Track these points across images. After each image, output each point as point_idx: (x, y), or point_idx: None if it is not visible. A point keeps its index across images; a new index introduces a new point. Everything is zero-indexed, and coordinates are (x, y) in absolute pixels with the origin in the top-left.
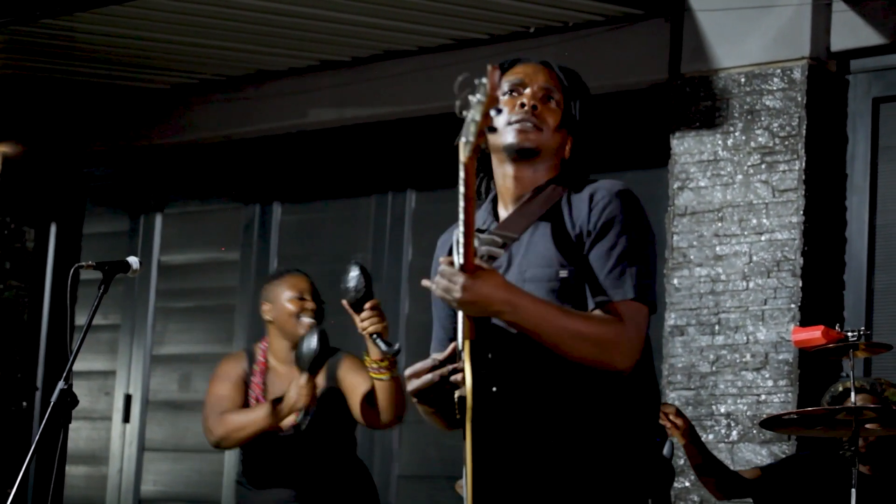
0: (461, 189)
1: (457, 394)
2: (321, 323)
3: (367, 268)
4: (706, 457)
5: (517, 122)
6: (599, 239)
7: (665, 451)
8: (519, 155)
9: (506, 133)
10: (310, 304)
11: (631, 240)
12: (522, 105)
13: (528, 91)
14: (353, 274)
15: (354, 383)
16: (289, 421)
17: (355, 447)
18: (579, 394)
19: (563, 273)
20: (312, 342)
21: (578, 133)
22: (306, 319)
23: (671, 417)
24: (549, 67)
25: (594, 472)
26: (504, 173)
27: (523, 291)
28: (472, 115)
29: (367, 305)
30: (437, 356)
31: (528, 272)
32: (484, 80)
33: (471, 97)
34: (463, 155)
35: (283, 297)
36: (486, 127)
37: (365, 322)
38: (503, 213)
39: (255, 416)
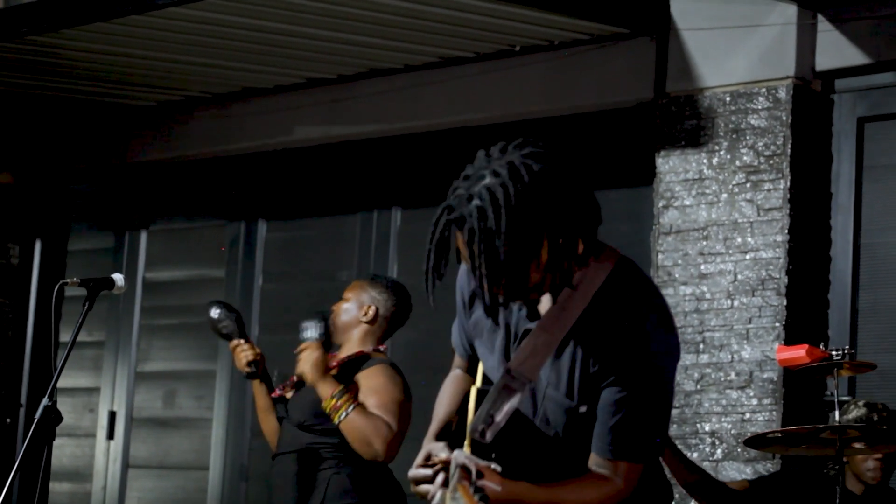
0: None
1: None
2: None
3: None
4: (686, 466)
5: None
6: (609, 386)
7: None
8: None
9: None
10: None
11: (643, 392)
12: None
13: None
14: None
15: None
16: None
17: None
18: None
19: (582, 409)
20: (212, 311)
21: (558, 232)
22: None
23: None
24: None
25: None
26: None
27: (526, 485)
28: None
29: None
30: (442, 457)
31: (549, 391)
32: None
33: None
34: None
35: None
36: None
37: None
38: (540, 298)
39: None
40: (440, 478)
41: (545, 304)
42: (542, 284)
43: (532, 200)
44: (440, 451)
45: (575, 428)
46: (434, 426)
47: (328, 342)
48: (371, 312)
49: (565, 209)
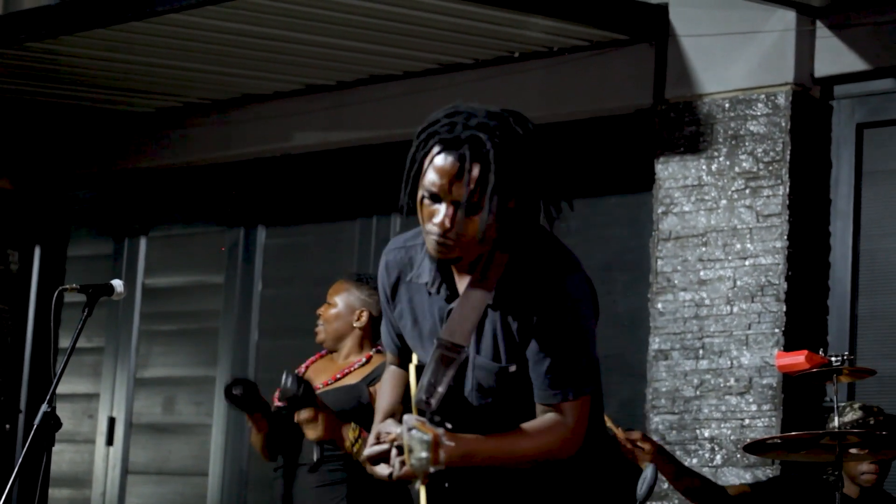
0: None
1: (411, 487)
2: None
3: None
4: (683, 472)
5: (434, 238)
6: (536, 335)
7: (648, 475)
8: (442, 263)
9: (426, 238)
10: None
11: (569, 333)
12: (436, 225)
13: (442, 208)
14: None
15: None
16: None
17: None
18: (532, 476)
19: (512, 368)
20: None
21: (522, 194)
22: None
23: (638, 443)
24: (462, 154)
25: None
26: None
27: (468, 440)
28: (417, 455)
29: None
30: (392, 430)
31: (477, 359)
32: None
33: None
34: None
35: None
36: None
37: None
38: (456, 277)
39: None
40: (395, 453)
41: (462, 283)
42: (480, 246)
43: (533, 146)
44: (390, 427)
45: (509, 389)
46: (378, 417)
47: (312, 397)
48: (364, 317)
49: (549, 176)
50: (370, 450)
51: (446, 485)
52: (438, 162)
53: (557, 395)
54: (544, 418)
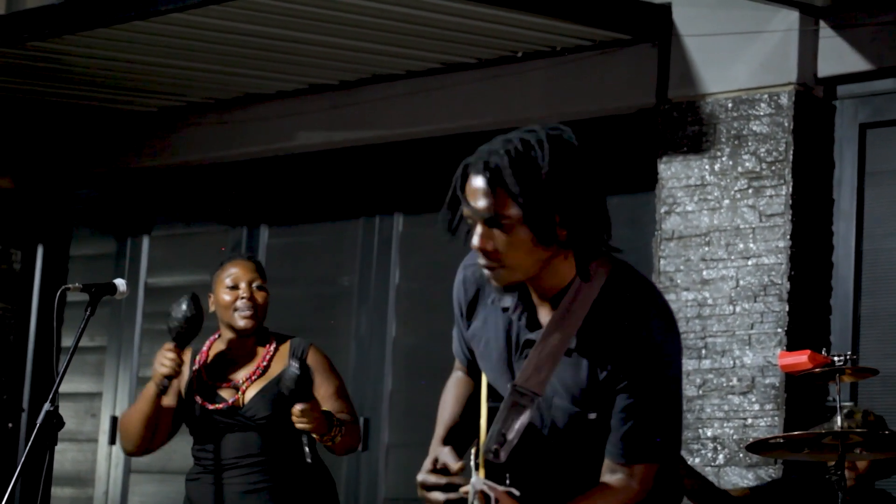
0: None
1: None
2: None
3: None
4: (690, 475)
5: (483, 267)
6: (620, 392)
7: None
8: (504, 290)
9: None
10: (244, 294)
11: (652, 395)
12: (478, 249)
13: (477, 229)
14: (182, 305)
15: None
16: (168, 401)
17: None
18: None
19: (591, 416)
20: (181, 307)
21: (565, 210)
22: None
23: None
24: (494, 185)
25: None
26: None
27: None
28: None
29: (299, 408)
30: (451, 465)
31: (555, 398)
32: None
33: None
34: None
35: (221, 287)
36: None
37: (296, 420)
38: (536, 304)
39: (138, 398)
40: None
41: (544, 315)
42: (529, 265)
43: (561, 166)
44: (447, 457)
45: (584, 434)
46: (440, 430)
47: (310, 388)
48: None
49: (584, 194)
50: (425, 477)
51: (507, 481)
52: (469, 184)
53: (629, 457)
54: (611, 481)
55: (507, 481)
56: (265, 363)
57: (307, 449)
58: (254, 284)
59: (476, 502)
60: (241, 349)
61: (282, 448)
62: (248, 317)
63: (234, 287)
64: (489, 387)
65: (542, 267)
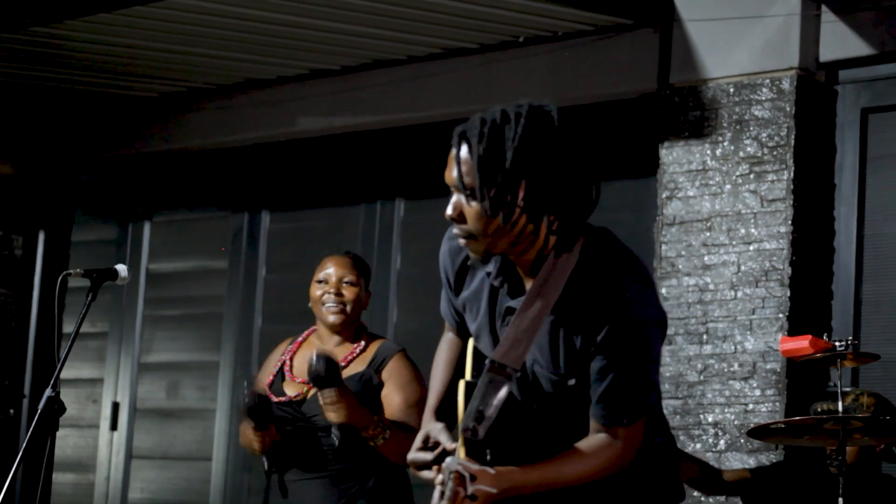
0: None
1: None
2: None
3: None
4: (691, 461)
5: (455, 234)
6: (598, 355)
7: None
8: (482, 262)
9: None
10: (332, 289)
11: (632, 355)
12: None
13: (450, 201)
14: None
15: (385, 394)
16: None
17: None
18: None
19: (571, 382)
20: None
21: (534, 181)
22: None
23: None
24: (465, 155)
25: None
26: None
27: (519, 471)
28: None
29: (329, 397)
30: (445, 445)
31: (535, 366)
32: None
33: None
34: None
35: (314, 281)
36: None
37: (323, 407)
38: (522, 275)
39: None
40: (436, 497)
41: (527, 283)
42: (496, 238)
43: (534, 140)
44: (439, 434)
45: (565, 400)
46: (432, 400)
47: (338, 377)
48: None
49: (558, 169)
50: (416, 455)
51: (488, 457)
52: (450, 156)
53: (612, 420)
54: (595, 440)
55: (488, 457)
56: (344, 363)
57: (335, 439)
58: (344, 280)
59: (451, 483)
60: (329, 345)
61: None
62: (335, 312)
63: (324, 282)
64: (475, 356)
65: (513, 240)
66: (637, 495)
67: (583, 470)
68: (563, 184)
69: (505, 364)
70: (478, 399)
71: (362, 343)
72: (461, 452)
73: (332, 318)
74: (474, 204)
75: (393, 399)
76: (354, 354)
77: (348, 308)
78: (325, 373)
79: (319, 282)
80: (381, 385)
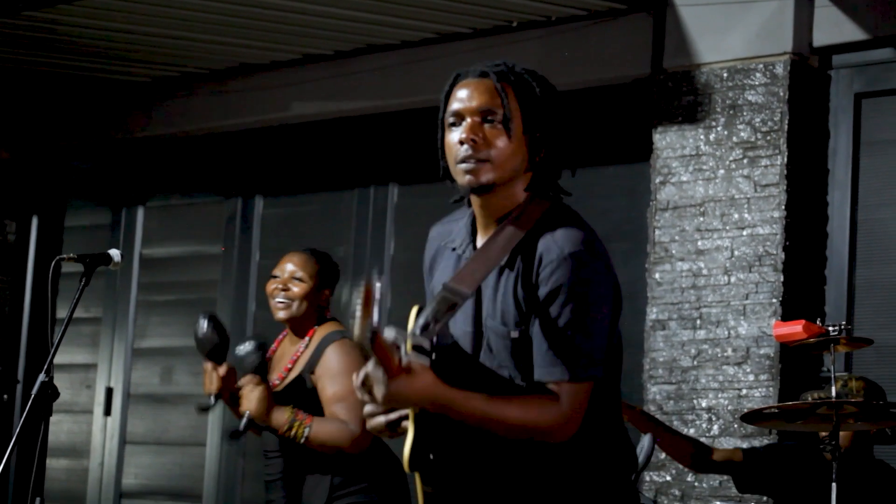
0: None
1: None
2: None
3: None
4: (670, 432)
5: (461, 161)
6: (540, 309)
7: (645, 445)
8: (476, 192)
9: (457, 174)
10: (280, 284)
11: (574, 311)
12: (462, 142)
13: (465, 123)
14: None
15: (319, 388)
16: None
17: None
18: (522, 455)
19: (514, 334)
20: (202, 327)
21: (544, 130)
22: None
23: None
24: (487, 77)
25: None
26: (472, 201)
27: (453, 390)
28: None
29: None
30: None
31: (488, 321)
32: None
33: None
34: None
35: (270, 276)
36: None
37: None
38: (479, 239)
39: None
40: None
41: None
42: (508, 167)
43: (547, 92)
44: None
45: (513, 357)
46: None
47: (263, 368)
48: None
49: (561, 123)
50: (373, 420)
51: (431, 456)
52: (459, 89)
53: (553, 373)
54: (538, 394)
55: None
56: (290, 364)
57: (242, 426)
58: (295, 276)
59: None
60: (289, 342)
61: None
62: (281, 308)
63: (277, 277)
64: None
65: (509, 178)
66: (587, 490)
67: (523, 417)
68: (564, 133)
69: (458, 288)
70: (426, 314)
71: (307, 339)
72: (410, 432)
73: (279, 314)
74: (500, 127)
75: (323, 393)
76: (299, 353)
77: (294, 305)
78: (253, 360)
79: (273, 277)
80: (313, 386)
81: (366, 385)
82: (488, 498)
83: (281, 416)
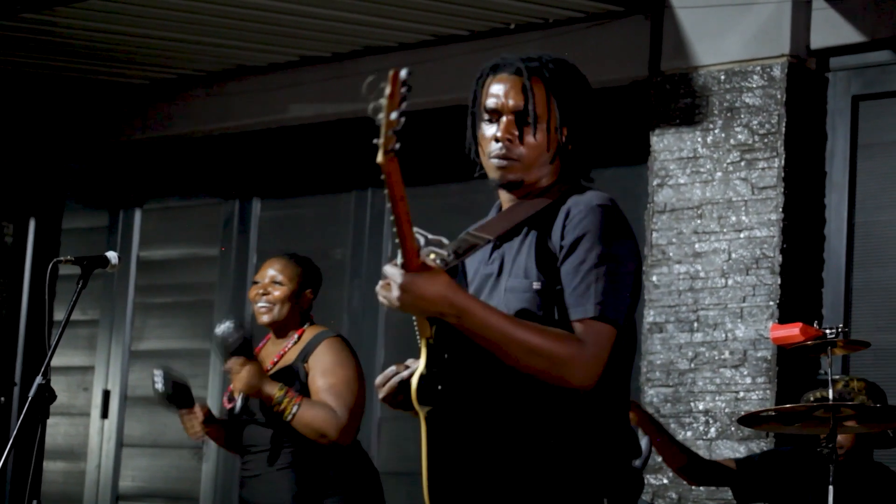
0: (385, 190)
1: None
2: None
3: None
4: (682, 450)
5: (495, 157)
6: (570, 254)
7: (643, 447)
8: (505, 188)
9: (488, 167)
10: (260, 289)
11: (601, 255)
12: (497, 139)
13: (501, 122)
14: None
15: (309, 380)
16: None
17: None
18: (531, 403)
19: (536, 285)
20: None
21: (575, 123)
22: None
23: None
24: (522, 75)
25: (543, 476)
26: (500, 193)
27: (473, 297)
28: (380, 118)
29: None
30: (407, 363)
31: (508, 282)
32: (385, 85)
33: (380, 100)
34: (379, 156)
35: (252, 281)
36: (393, 129)
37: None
38: None
39: None
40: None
41: None
42: (538, 167)
43: (585, 83)
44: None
45: (537, 311)
46: None
47: (248, 348)
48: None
49: (592, 115)
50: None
51: (439, 387)
52: (495, 83)
53: (577, 311)
54: (566, 331)
55: (446, 356)
56: (277, 358)
57: (237, 407)
58: (274, 280)
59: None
60: (272, 344)
61: (292, 437)
62: (263, 312)
63: (258, 282)
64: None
65: (537, 176)
66: (587, 469)
67: (542, 345)
68: (595, 125)
69: (479, 234)
70: (448, 247)
71: (296, 336)
72: (420, 365)
73: (262, 318)
74: (535, 126)
75: (314, 384)
76: (287, 348)
77: (276, 308)
78: (232, 342)
79: (255, 282)
80: (306, 375)
81: (384, 287)
82: (489, 437)
83: (272, 388)
